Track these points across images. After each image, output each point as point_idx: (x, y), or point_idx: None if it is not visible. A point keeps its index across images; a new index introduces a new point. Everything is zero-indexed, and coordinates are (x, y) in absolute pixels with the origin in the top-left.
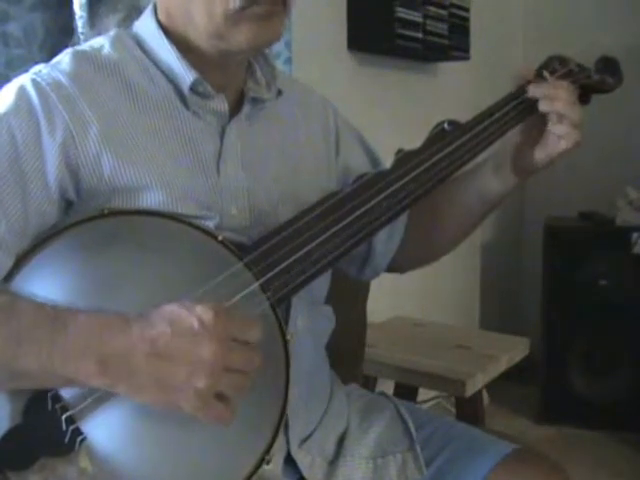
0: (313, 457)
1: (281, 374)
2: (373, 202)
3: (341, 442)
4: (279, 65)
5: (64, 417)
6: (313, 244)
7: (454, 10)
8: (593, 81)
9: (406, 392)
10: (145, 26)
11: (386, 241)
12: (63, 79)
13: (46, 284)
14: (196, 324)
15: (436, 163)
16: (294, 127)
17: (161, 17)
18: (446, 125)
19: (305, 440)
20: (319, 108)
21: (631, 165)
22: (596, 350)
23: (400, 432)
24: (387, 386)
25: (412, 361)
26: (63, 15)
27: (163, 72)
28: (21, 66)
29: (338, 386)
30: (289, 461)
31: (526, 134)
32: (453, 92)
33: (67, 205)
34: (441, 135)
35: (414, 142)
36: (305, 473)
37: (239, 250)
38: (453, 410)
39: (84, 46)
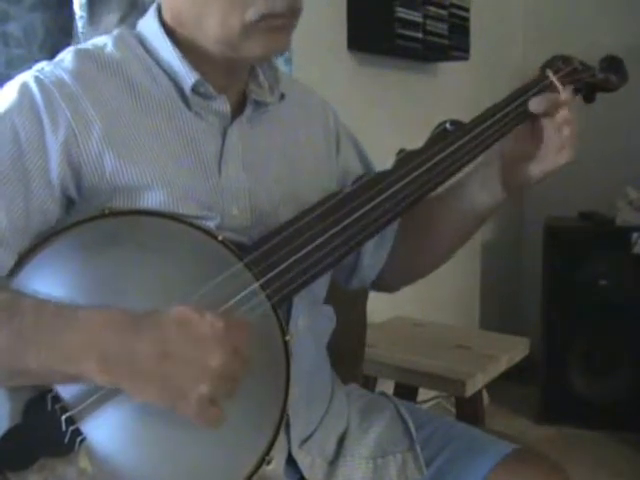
0: (313, 457)
1: (282, 374)
2: (374, 203)
3: (341, 442)
4: (279, 65)
5: (64, 417)
6: (314, 244)
7: (454, 10)
8: (597, 80)
9: (406, 392)
10: (148, 26)
11: (373, 254)
12: (66, 77)
13: (47, 283)
14: (208, 331)
15: (438, 163)
16: (295, 128)
17: (167, 18)
18: (448, 125)
19: (306, 440)
20: (319, 109)
21: (631, 165)
22: (596, 350)
23: (400, 432)
24: (387, 386)
25: (412, 361)
26: (63, 15)
27: (165, 72)
28: (21, 66)
29: (338, 386)
30: (290, 461)
31: (520, 148)
32: (453, 92)
33: (69, 203)
34: (443, 135)
35: (414, 142)
36: (306, 473)
37: (239, 250)
38: (453, 410)
39: (87, 44)
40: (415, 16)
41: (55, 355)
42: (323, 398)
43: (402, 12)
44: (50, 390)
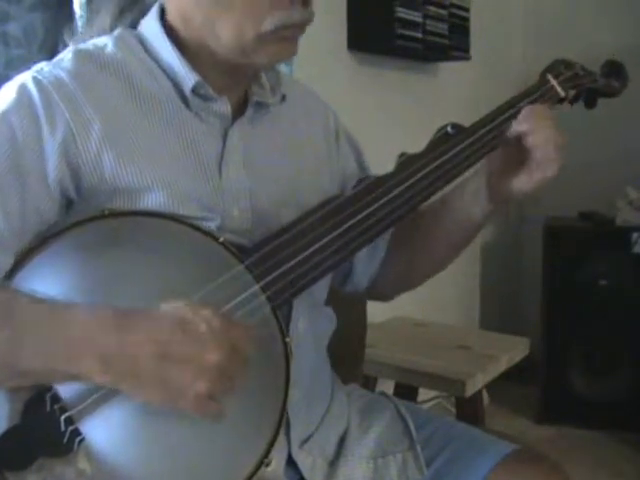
0: (314, 458)
1: (281, 375)
2: (376, 206)
3: (341, 442)
4: (279, 65)
5: (63, 418)
6: (315, 247)
7: (454, 10)
8: (599, 85)
9: (406, 392)
10: (149, 27)
11: (366, 262)
12: (65, 77)
13: (46, 284)
14: (204, 329)
15: (440, 166)
16: (296, 129)
17: (172, 20)
18: (449, 129)
19: (306, 441)
20: (320, 110)
21: (631, 165)
22: (596, 350)
23: (400, 432)
24: (387, 386)
25: (412, 361)
26: (63, 15)
27: (165, 73)
28: (21, 66)
29: (338, 386)
30: (290, 462)
31: (506, 161)
32: (453, 92)
33: (68, 204)
34: (444, 139)
35: (415, 142)
36: (306, 474)
37: (240, 252)
38: (453, 410)
39: (87, 44)
40: (415, 16)
41: (53, 354)
42: (323, 399)
43: (402, 12)
44: (49, 390)
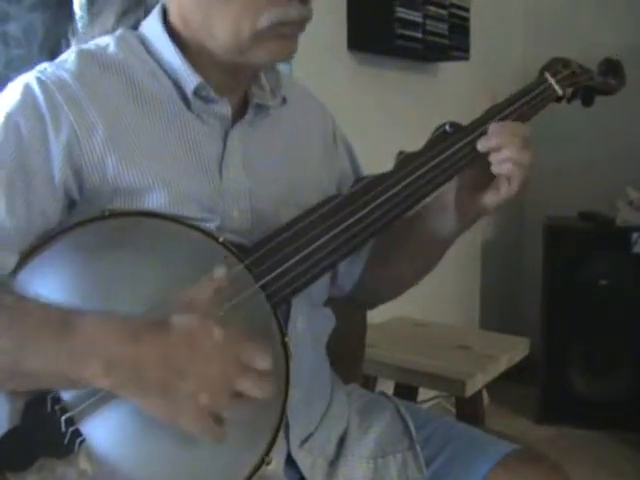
0: (314, 458)
1: (281, 375)
2: (374, 204)
3: (341, 442)
4: (278, 65)
5: (64, 418)
6: (314, 246)
7: (454, 10)
8: (596, 83)
9: (406, 392)
10: (151, 27)
11: (348, 268)
12: (68, 78)
13: (47, 284)
14: (210, 342)
15: (438, 165)
16: (295, 130)
17: (174, 20)
18: (447, 127)
19: (306, 440)
20: (318, 111)
21: (631, 165)
22: (596, 350)
23: (400, 432)
24: (387, 386)
25: (412, 361)
26: (63, 15)
27: (167, 73)
28: (21, 66)
29: (338, 386)
30: (289, 462)
31: (476, 176)
32: (453, 92)
33: (70, 204)
34: (443, 137)
35: (414, 141)
36: (306, 474)
37: (240, 252)
38: (453, 410)
39: (89, 45)
40: (415, 16)
41: (60, 359)
42: (323, 398)
43: (402, 12)
44: (50, 391)
